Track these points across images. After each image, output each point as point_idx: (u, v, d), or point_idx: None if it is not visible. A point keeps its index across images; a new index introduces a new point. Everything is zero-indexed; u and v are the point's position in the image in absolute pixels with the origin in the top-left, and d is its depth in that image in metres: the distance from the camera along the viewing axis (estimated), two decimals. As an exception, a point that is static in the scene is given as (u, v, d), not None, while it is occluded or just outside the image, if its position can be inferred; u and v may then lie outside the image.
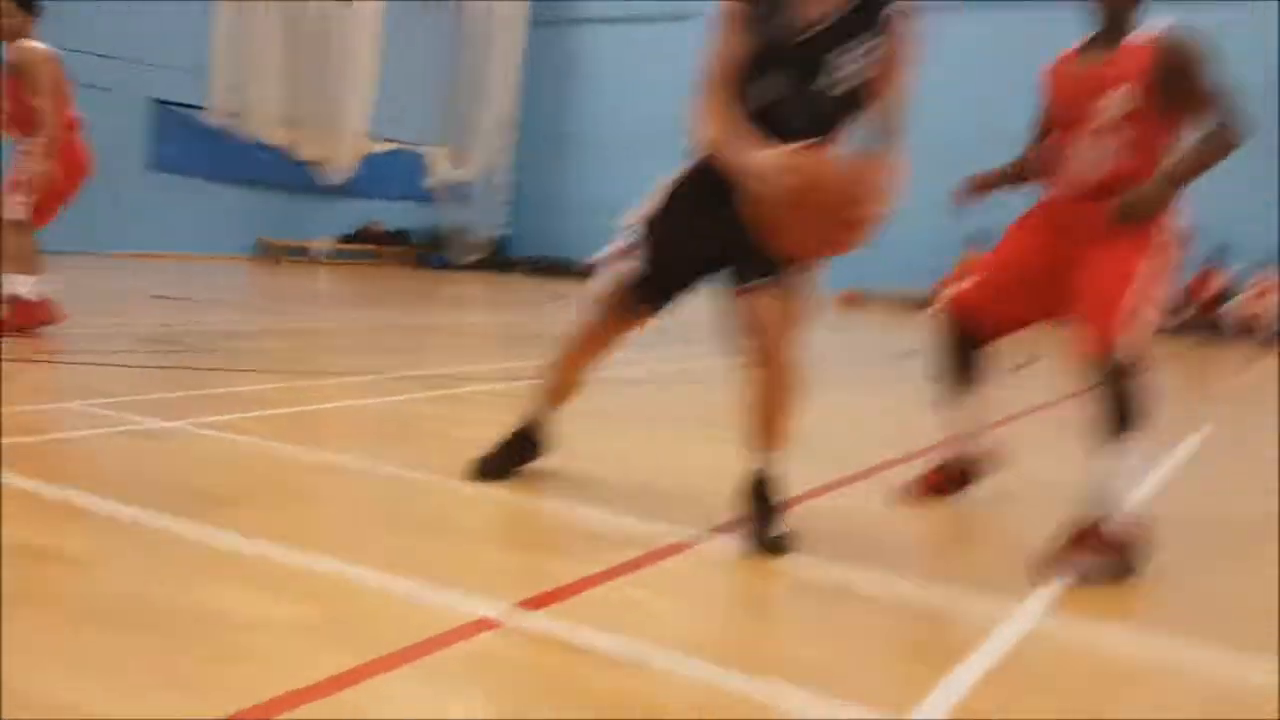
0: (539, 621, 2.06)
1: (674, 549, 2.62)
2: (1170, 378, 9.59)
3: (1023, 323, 3.09)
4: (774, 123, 2.53)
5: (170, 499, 2.67)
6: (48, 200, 5.42)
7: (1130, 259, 2.75)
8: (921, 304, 17.32)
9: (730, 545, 2.68)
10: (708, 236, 2.74)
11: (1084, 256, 2.82)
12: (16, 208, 5.29)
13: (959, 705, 1.83)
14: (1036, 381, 7.91)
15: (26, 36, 5.40)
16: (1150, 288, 2.74)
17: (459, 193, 19.09)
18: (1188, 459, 4.67)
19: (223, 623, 1.93)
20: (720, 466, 3.71)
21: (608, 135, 19.97)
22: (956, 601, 2.40)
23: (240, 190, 15.68)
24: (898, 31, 2.52)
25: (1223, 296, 14.52)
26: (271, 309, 8.76)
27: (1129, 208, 2.69)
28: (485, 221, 19.46)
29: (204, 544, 2.36)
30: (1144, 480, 2.63)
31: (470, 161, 18.83)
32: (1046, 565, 2.58)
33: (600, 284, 2.89)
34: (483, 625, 2.02)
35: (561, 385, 3.12)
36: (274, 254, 15.89)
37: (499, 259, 19.56)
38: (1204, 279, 14.74)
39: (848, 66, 2.53)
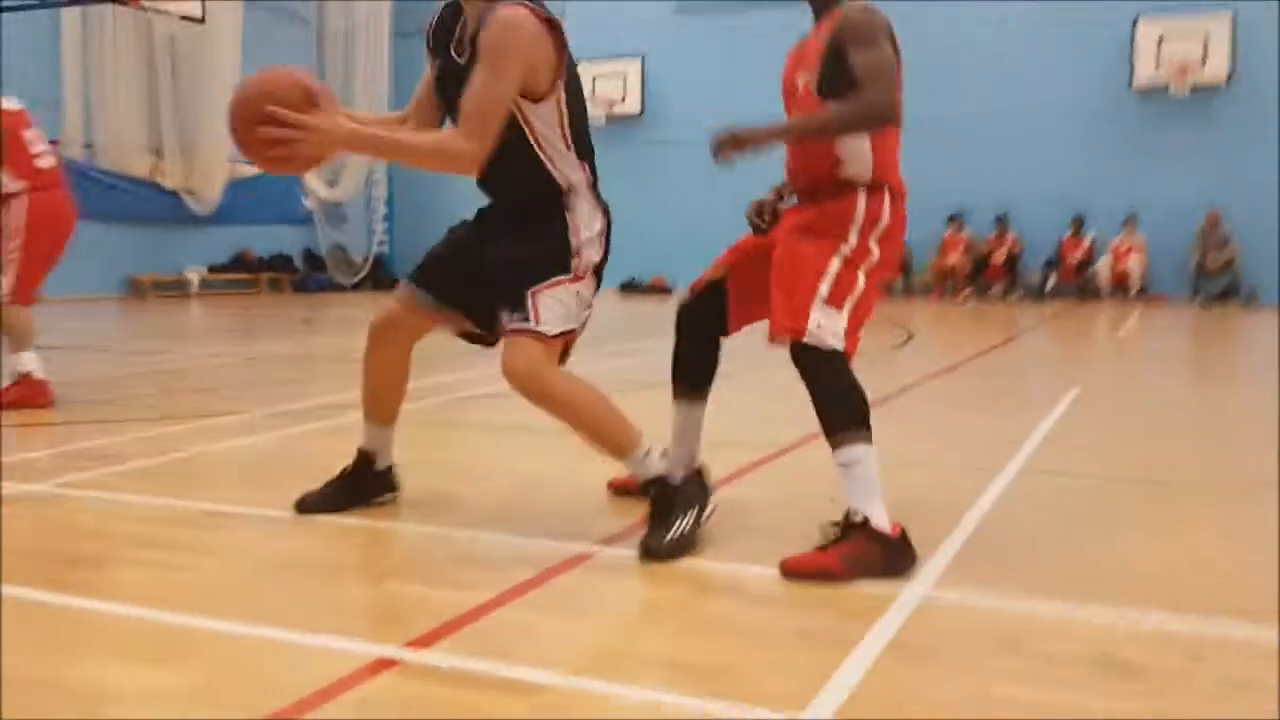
0: (431, 657, 2.01)
1: (565, 566, 2.60)
2: (1047, 340, 9.98)
3: (755, 312, 2.94)
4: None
5: (32, 567, 2.53)
6: (28, 269, 5.04)
7: (817, 252, 2.69)
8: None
9: (622, 555, 2.67)
10: (459, 253, 2.94)
11: (779, 244, 2.81)
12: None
13: (857, 692, 1.86)
14: (913, 358, 8.15)
15: None
16: (836, 282, 2.65)
17: (335, 213, 18.67)
18: (1057, 421, 4.85)
19: (95, 697, 1.83)
20: (607, 475, 3.72)
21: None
22: (845, 588, 2.44)
23: (103, 225, 14.99)
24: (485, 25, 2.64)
25: (1089, 259, 15.19)
26: (140, 350, 8.40)
27: (721, 137, 2.67)
28: (364, 240, 19.08)
29: (70, 613, 2.24)
30: (877, 484, 2.59)
31: (344, 180, 18.42)
32: (806, 565, 2.51)
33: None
34: (374, 668, 1.96)
35: (372, 404, 3.13)
36: (143, 290, 15.27)
37: (381, 277, 19.20)
38: (1072, 243, 15.41)
39: None
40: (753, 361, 7.30)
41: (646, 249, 18.30)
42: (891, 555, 2.53)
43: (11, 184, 5.03)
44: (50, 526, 3.00)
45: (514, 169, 2.75)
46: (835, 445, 2.60)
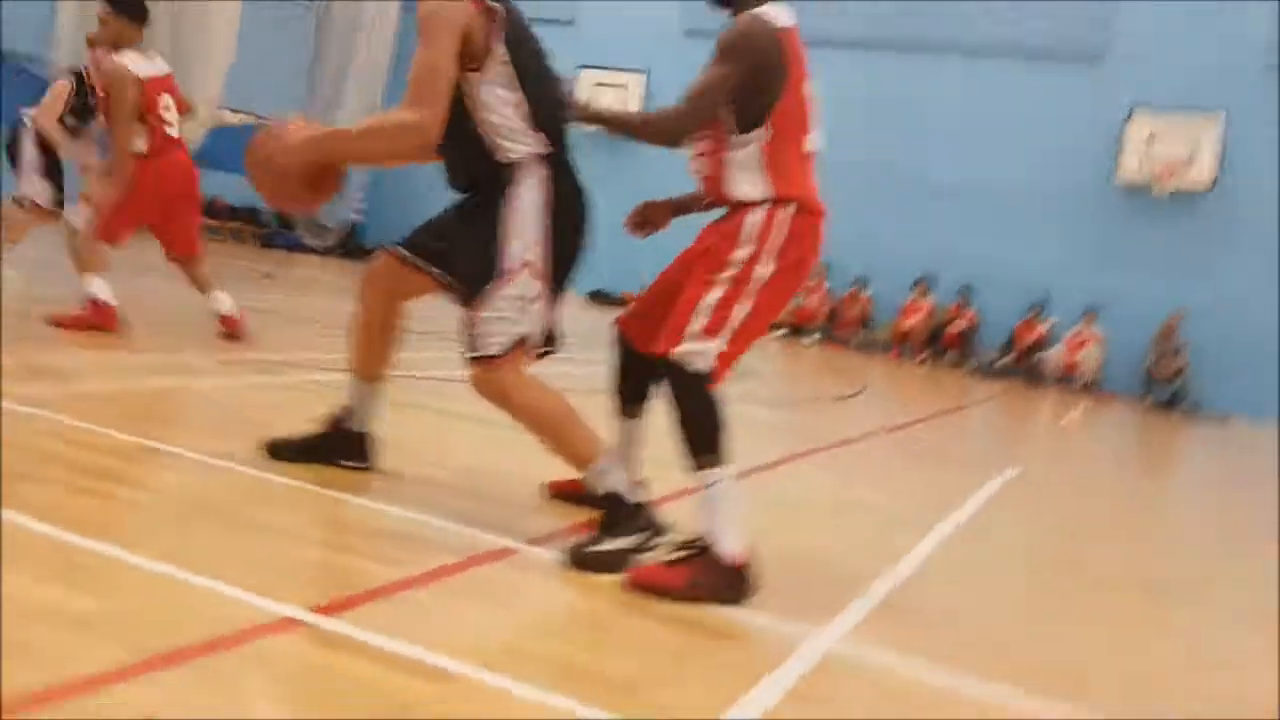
0: (340, 625, 2.00)
1: (492, 557, 2.60)
2: (994, 415, 10.14)
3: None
4: None
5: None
6: (116, 220, 5.35)
7: (699, 283, 2.73)
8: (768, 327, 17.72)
9: (548, 556, 2.68)
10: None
11: (676, 261, 2.96)
12: (78, 216, 5.50)
13: (751, 725, 1.88)
14: (864, 410, 8.25)
15: (128, 46, 5.25)
16: (712, 314, 2.68)
17: (314, 174, 18.47)
18: (988, 499, 4.93)
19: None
20: (543, 472, 3.72)
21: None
22: (763, 622, 2.47)
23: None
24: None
25: (1043, 344, 15.47)
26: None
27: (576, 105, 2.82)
28: (341, 206, 18.91)
29: (-18, 526, 2.20)
30: (732, 509, 2.62)
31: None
32: (649, 579, 2.56)
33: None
34: (280, 626, 1.95)
35: (360, 358, 3.14)
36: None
37: (352, 246, 19.03)
38: (1027, 326, 15.68)
39: None
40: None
41: (622, 261, 18.36)
42: (727, 585, 2.55)
43: (139, 144, 5.40)
44: (-26, 436, 2.94)
45: (457, 144, 2.74)
46: (697, 468, 2.63)
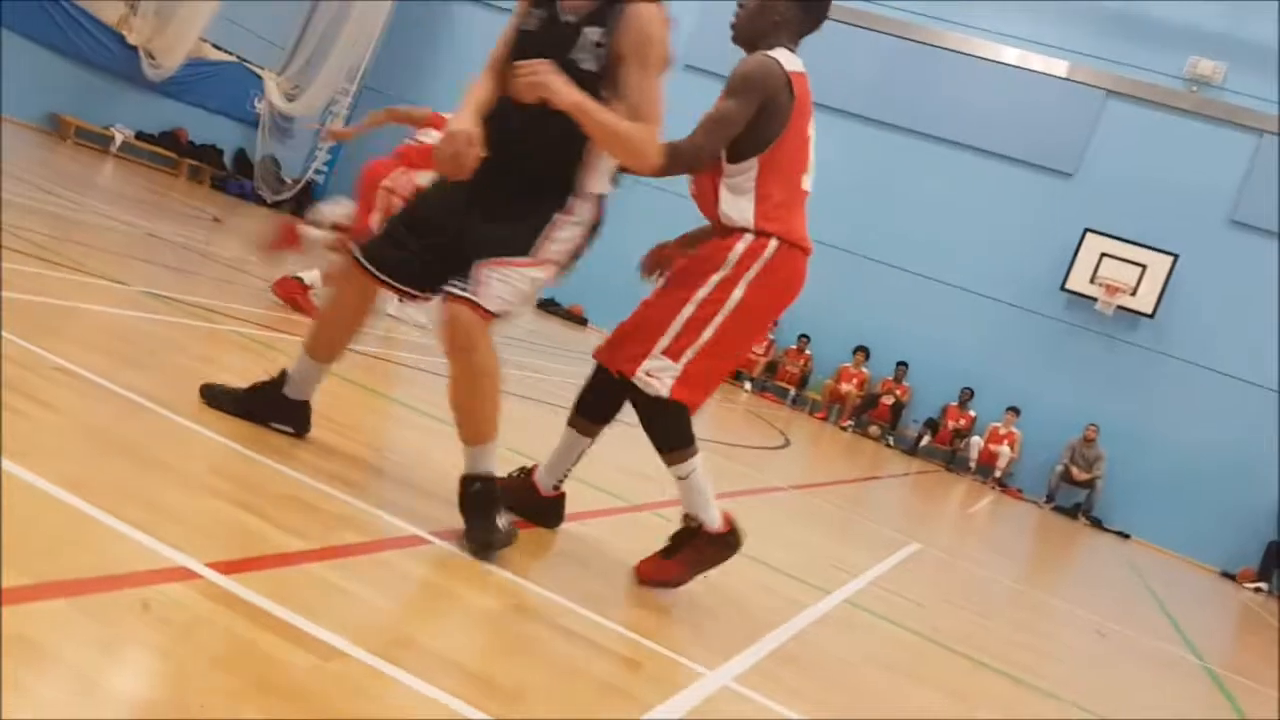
0: (231, 585, 1.95)
1: (394, 543, 2.56)
2: (906, 491, 10.30)
3: None
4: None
5: None
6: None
7: (670, 303, 2.91)
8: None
9: (452, 551, 2.65)
10: (441, 215, 2.85)
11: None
12: None
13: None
14: (784, 464, 8.33)
15: None
16: (679, 335, 2.85)
17: (282, 125, 18.18)
18: (892, 567, 5.01)
19: None
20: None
21: (449, 113, 19.57)
22: (662, 651, 2.47)
23: (47, 54, 14.29)
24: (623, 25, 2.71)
25: (968, 431, 15.79)
26: (43, 188, 8.00)
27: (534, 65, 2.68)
28: (301, 162, 18.61)
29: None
30: (708, 489, 2.98)
31: (304, 96, 17.98)
32: (656, 574, 2.95)
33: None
34: (170, 575, 1.90)
35: (318, 339, 3.07)
36: (65, 131, 14.57)
37: (306, 203, 18.70)
38: (956, 411, 16.00)
39: (589, 50, 2.73)
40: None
41: (574, 275, 18.30)
42: (723, 547, 2.96)
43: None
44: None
45: (558, 146, 2.76)
46: (668, 463, 2.94)
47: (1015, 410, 15.63)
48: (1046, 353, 16.10)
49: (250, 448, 2.89)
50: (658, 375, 2.84)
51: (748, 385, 16.71)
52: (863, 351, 16.61)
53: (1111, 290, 15.55)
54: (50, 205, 6.99)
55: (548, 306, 18.17)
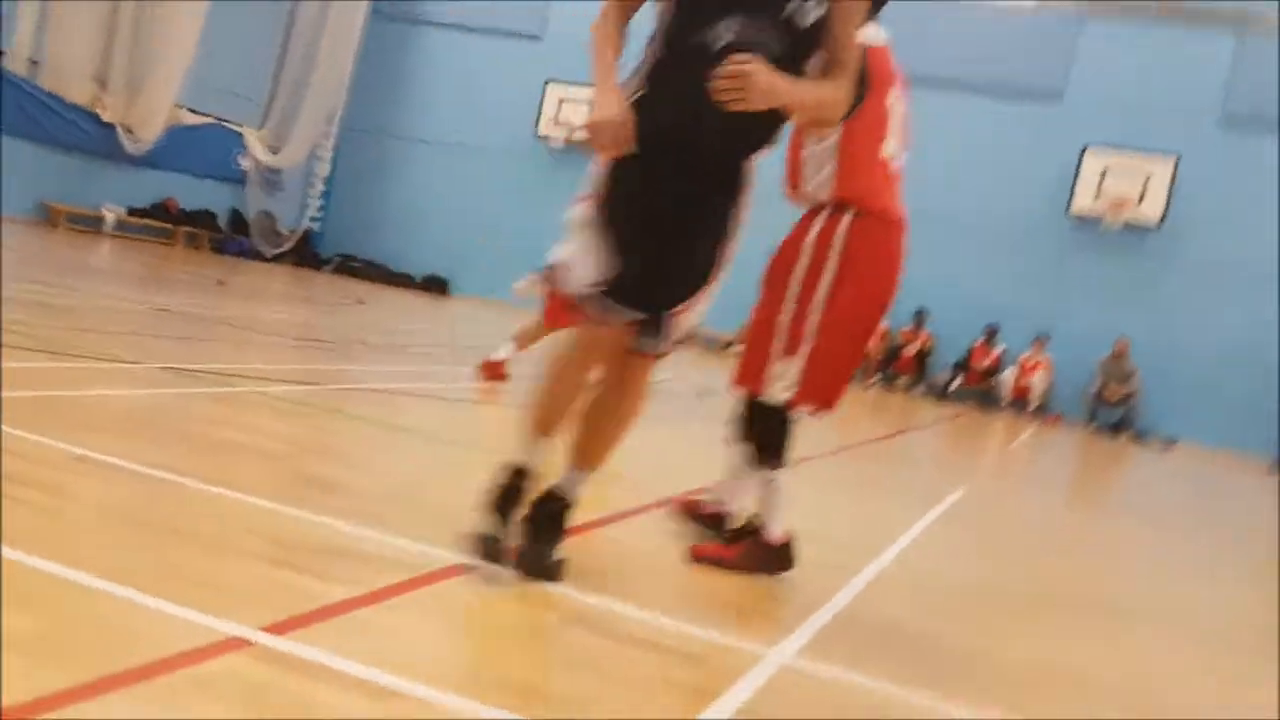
0: (288, 645, 1.96)
1: (445, 574, 2.56)
2: (943, 439, 10.25)
3: None
4: (747, 50, 2.35)
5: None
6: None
7: (770, 302, 2.97)
8: (725, 345, 17.94)
9: (497, 571, 2.65)
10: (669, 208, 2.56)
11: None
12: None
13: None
14: (812, 434, 8.30)
15: None
16: (788, 335, 2.91)
17: (270, 179, 18.26)
18: (938, 517, 4.97)
19: (-80, 627, 1.74)
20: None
21: (436, 144, 19.65)
22: (717, 639, 2.46)
23: (28, 146, 14.41)
24: None
25: (997, 367, 15.68)
26: (40, 279, 8.09)
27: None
28: (295, 213, 18.70)
29: (-87, 536, 2.13)
30: (782, 503, 3.08)
31: (287, 148, 18.06)
32: (709, 553, 3.06)
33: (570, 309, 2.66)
34: (223, 646, 1.90)
35: (547, 415, 2.68)
36: (56, 219, 14.70)
37: (306, 253, 18.81)
38: (982, 350, 15.90)
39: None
40: (686, 408, 7.32)
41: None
42: (774, 559, 3.04)
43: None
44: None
45: (758, 143, 2.56)
46: (759, 464, 3.05)
47: (1042, 339, 15.51)
48: (1063, 277, 15.98)
49: (280, 502, 2.90)
50: (780, 382, 2.93)
51: (736, 349, 16.65)
52: (877, 306, 16.51)
53: (1117, 206, 15.40)
54: (51, 296, 7.05)
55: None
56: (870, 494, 5.73)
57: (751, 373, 2.98)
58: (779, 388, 2.91)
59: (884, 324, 17.43)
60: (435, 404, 5.58)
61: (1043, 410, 15.23)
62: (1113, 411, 15.10)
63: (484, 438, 4.74)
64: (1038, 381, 15.31)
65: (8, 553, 2.13)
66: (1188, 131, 15.30)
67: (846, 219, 2.88)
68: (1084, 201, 15.70)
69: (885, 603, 3.23)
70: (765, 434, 3.03)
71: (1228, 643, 3.64)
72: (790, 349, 2.90)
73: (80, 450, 3.06)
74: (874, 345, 16.22)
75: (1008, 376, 15.47)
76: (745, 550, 3.03)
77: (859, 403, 12.92)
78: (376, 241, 19.57)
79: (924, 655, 2.76)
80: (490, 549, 2.60)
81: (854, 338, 2.99)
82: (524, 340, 6.54)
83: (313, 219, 18.76)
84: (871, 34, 2.87)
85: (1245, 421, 14.39)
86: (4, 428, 3.11)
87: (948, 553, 4.26)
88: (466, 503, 3.37)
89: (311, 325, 9.22)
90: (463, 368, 7.20)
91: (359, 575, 2.43)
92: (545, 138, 19.02)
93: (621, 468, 4.31)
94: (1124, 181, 15.45)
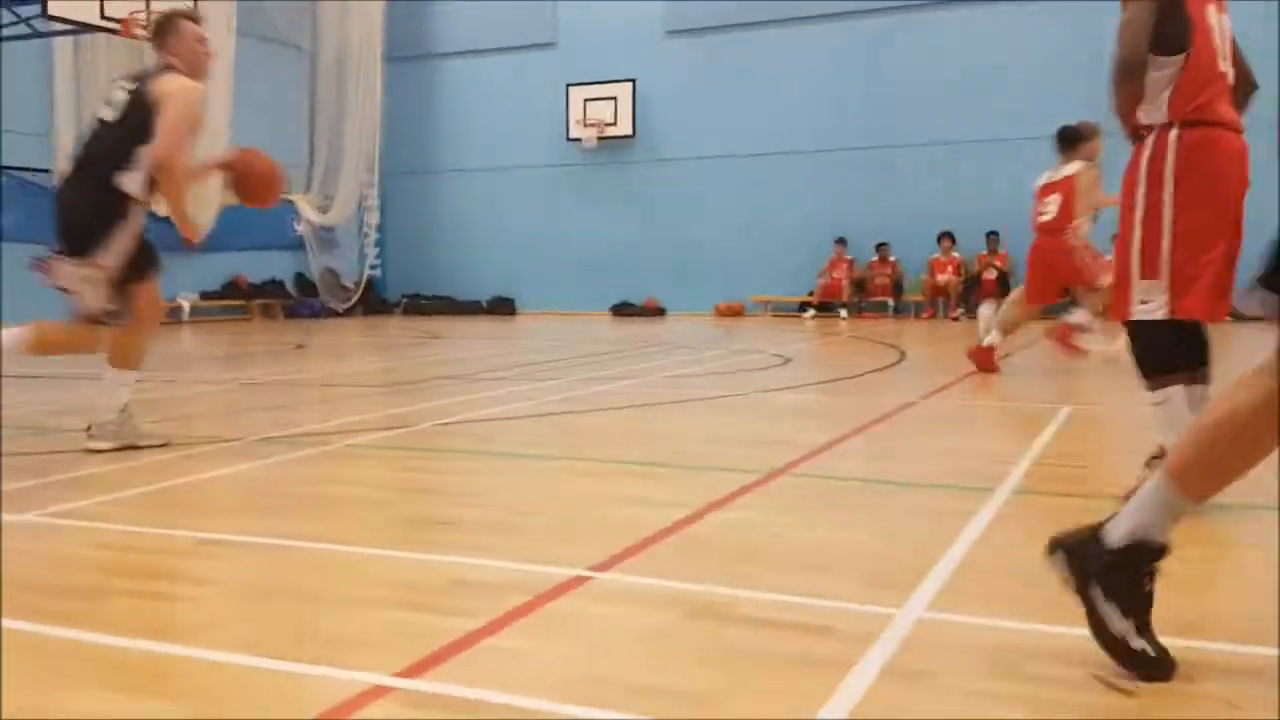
0: (426, 685, 2.00)
1: (564, 588, 2.59)
2: (1038, 358, 9.99)
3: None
4: None
5: (24, 599, 2.51)
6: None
7: (1123, 229, 3.18)
8: (799, 309, 17.74)
9: (615, 580, 2.67)
10: None
11: None
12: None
13: (853, 716, 1.86)
14: (905, 379, 8.17)
15: None
16: (1142, 253, 3.08)
17: (326, 237, 18.69)
18: (1049, 440, 4.85)
19: (82, 731, 1.82)
20: (593, 496, 3.72)
21: (475, 169, 19.87)
22: (844, 607, 2.44)
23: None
24: None
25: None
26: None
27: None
28: (355, 264, 19.10)
29: (62, 644, 2.22)
30: (1179, 419, 3.09)
31: (335, 204, 18.46)
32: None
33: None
34: (367, 697, 1.95)
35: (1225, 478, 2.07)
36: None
37: (373, 301, 19.20)
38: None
39: None
40: (750, 384, 7.24)
41: (639, 270, 18.39)
42: None
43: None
44: (41, 557, 2.98)
45: None
46: (1148, 389, 3.19)
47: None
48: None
49: (394, 547, 2.97)
50: (1149, 304, 3.05)
51: (810, 313, 16.49)
52: (947, 237, 16.20)
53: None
54: (147, 391, 7.31)
55: (624, 310, 18.23)
56: (976, 429, 5.62)
57: (1120, 301, 3.14)
58: (1145, 309, 3.06)
59: (956, 254, 17.15)
60: (524, 424, 5.64)
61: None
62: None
63: (578, 449, 4.78)
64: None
65: (146, 645, 2.21)
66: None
67: (1174, 133, 3.05)
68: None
69: (1012, 536, 3.16)
70: (1140, 355, 3.20)
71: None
72: (1147, 272, 3.04)
73: (203, 535, 3.16)
74: (949, 277, 15.92)
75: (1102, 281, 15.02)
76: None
77: (949, 338, 12.67)
78: (438, 275, 19.88)
79: (1054, 588, 2.68)
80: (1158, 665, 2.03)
81: (1218, 240, 3.03)
82: (1008, 327, 7.36)
83: (372, 267, 19.13)
84: None
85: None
86: (125, 526, 3.23)
87: (1068, 473, 4.14)
88: (574, 515, 3.41)
89: (391, 369, 9.41)
90: (541, 383, 7.27)
91: (481, 605, 2.47)
92: (577, 139, 19.10)
93: (703, 454, 4.29)
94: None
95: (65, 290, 4.43)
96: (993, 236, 15.90)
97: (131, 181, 4.47)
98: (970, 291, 15.80)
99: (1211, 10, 3.12)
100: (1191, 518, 2.39)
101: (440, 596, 2.58)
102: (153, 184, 4.54)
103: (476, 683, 1.99)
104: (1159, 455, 3.13)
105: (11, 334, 4.38)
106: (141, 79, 4.61)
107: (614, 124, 18.79)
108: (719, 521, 3.31)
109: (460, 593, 2.61)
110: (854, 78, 17.00)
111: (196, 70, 4.68)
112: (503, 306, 19.21)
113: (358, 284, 18.67)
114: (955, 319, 15.64)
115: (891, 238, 16.65)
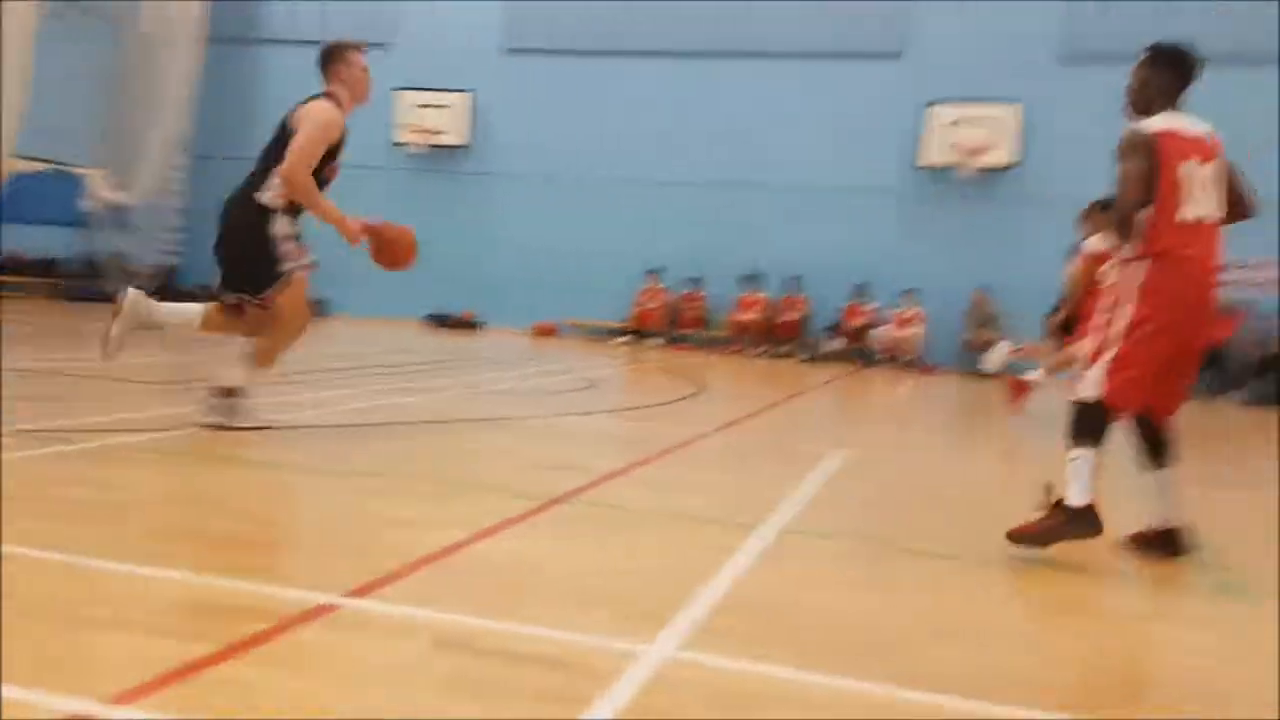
0: (139, 714, 1.88)
1: (304, 617, 2.49)
2: (826, 400, 10.46)
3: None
4: None
5: None
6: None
7: (1092, 324, 4.06)
8: (610, 334, 17.97)
9: (367, 607, 2.59)
10: None
11: None
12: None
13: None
14: (701, 410, 8.37)
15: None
16: (1094, 347, 3.89)
17: (118, 218, 17.50)
18: (824, 481, 5.06)
19: None
20: (364, 516, 3.62)
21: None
22: (591, 642, 2.45)
23: None
24: None
25: (871, 325, 16.10)
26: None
27: None
28: (150, 249, 17.96)
29: None
30: (1085, 476, 3.72)
31: (134, 184, 17.32)
32: (1026, 530, 3.76)
33: None
34: (66, 727, 1.82)
35: None
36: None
37: (169, 290, 18.09)
38: (854, 310, 16.30)
39: None
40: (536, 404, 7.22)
41: (458, 282, 18.14)
42: (1075, 523, 3.69)
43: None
44: None
45: None
46: (1066, 447, 3.80)
47: (911, 291, 15.99)
48: (922, 229, 16.55)
49: (139, 562, 2.79)
50: (1085, 383, 3.82)
51: (622, 339, 16.85)
52: (753, 277, 16.81)
53: (972, 152, 15.97)
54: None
55: (439, 320, 17.96)
56: (757, 465, 5.80)
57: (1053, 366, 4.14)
58: (1084, 386, 3.81)
59: (763, 294, 17.80)
60: (307, 434, 5.43)
61: (918, 362, 15.71)
62: (980, 356, 15.67)
63: (359, 464, 4.64)
64: (910, 335, 15.77)
65: None
66: (1029, 74, 15.97)
67: (1145, 265, 3.77)
68: (934, 154, 16.27)
69: (776, 574, 3.25)
70: (1070, 421, 3.84)
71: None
72: (1094, 358, 3.81)
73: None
74: (754, 315, 16.51)
75: (881, 333, 15.92)
76: (1050, 520, 3.72)
77: (750, 373, 13.11)
78: None
79: (810, 630, 2.79)
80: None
81: (1154, 355, 3.73)
82: (1053, 366, 7.93)
83: (171, 254, 18.05)
84: (1153, 123, 3.81)
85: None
86: None
87: (839, 514, 4.32)
88: (339, 536, 3.28)
89: (175, 365, 8.87)
90: (336, 391, 7.05)
91: (215, 630, 2.34)
92: (402, 145, 18.73)
93: (473, 479, 4.26)
94: (973, 131, 16.06)
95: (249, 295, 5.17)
96: (794, 280, 16.63)
97: (266, 195, 5.13)
98: (772, 331, 16.43)
99: (1191, 164, 3.79)
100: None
101: (171, 618, 2.44)
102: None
103: (193, 714, 1.88)
104: (1057, 502, 3.80)
105: (194, 310, 5.28)
106: (296, 106, 5.20)
107: (446, 133, 18.52)
108: (489, 548, 3.28)
109: (195, 616, 2.47)
110: (681, 114, 17.45)
111: (358, 97, 5.40)
112: (311, 307, 18.52)
113: (151, 270, 17.55)
114: (756, 356, 16.21)
115: (705, 272, 17.12)
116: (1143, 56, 3.94)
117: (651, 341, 16.78)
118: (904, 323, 15.90)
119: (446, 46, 18.71)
